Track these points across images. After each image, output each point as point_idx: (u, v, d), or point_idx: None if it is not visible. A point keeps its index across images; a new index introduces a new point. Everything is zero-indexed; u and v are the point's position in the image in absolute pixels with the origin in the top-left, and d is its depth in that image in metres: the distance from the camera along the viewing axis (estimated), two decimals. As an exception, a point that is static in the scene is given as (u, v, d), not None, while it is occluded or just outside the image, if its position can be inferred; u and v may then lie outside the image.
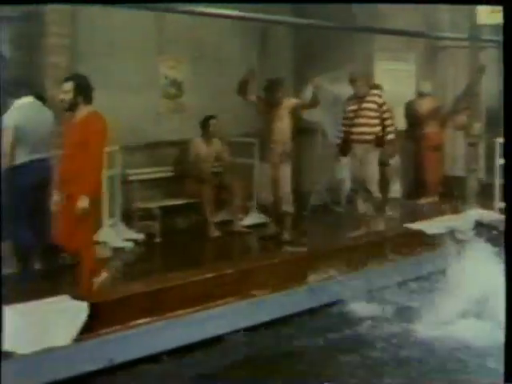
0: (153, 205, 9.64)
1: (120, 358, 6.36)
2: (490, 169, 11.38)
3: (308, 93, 10.40)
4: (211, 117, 10.06)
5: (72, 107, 6.93)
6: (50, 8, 8.58)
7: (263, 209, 10.12)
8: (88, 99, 6.95)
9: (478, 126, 11.28)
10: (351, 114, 9.57)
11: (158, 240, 9.51)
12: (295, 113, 9.31)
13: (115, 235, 9.16)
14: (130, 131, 9.66)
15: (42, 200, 7.58)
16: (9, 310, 6.16)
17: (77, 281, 7.01)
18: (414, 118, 11.92)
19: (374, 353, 6.73)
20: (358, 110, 9.49)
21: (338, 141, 9.82)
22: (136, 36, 9.79)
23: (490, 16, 10.40)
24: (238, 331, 7.06)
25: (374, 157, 9.54)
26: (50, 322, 6.23)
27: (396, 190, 12.03)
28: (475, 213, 10.49)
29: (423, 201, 11.80)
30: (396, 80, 12.18)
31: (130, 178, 9.74)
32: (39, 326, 6.18)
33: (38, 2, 8.34)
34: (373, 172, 9.55)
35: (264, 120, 9.31)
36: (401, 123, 11.57)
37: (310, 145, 11.54)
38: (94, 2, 8.35)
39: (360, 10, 10.96)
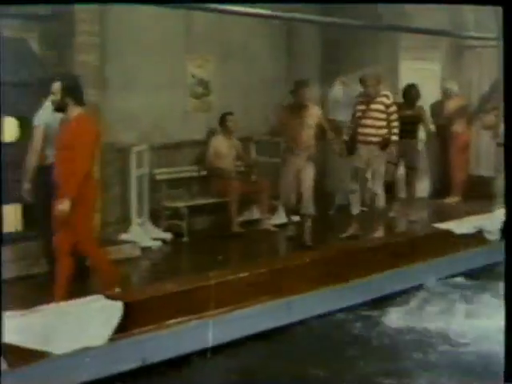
0: (180, 204, 9.64)
1: (153, 357, 6.40)
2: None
3: (335, 91, 10.42)
4: (228, 113, 10.11)
5: (61, 108, 6.75)
6: (79, 7, 8.57)
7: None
8: (78, 100, 6.73)
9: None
10: (359, 114, 9.47)
11: (185, 239, 9.52)
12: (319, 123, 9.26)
13: (144, 234, 9.17)
14: (158, 130, 9.70)
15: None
16: (43, 311, 6.22)
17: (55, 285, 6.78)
18: (440, 117, 11.88)
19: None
20: (367, 111, 9.38)
21: (346, 138, 9.73)
22: (164, 35, 9.77)
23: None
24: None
25: (379, 158, 9.43)
26: (85, 322, 6.23)
27: (423, 189, 12.05)
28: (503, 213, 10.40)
29: (449, 200, 11.76)
30: (421, 79, 12.14)
31: (158, 177, 9.75)
32: (75, 325, 6.18)
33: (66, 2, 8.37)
34: (377, 173, 9.43)
35: (288, 125, 9.24)
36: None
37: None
38: (117, 2, 8.43)
39: (386, 9, 10.94)
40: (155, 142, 9.58)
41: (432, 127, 11.51)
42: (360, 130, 9.41)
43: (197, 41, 10.22)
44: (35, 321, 6.06)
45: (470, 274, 9.07)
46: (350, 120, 9.71)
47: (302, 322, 7.50)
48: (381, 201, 9.44)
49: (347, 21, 9.92)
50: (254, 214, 10.30)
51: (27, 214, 8.04)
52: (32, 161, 7.37)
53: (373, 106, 9.35)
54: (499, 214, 10.30)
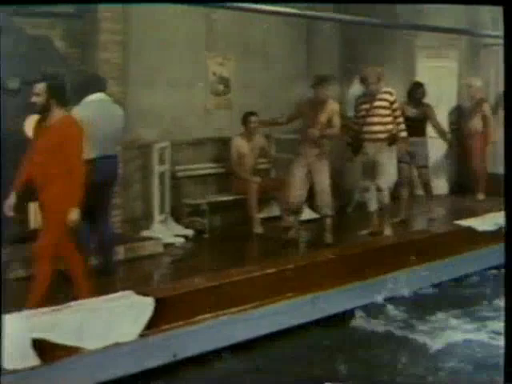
0: (202, 201, 9.68)
1: (184, 353, 6.45)
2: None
3: (355, 89, 10.42)
4: (251, 113, 10.09)
5: (44, 111, 6.45)
6: (102, 5, 8.62)
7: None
8: (62, 102, 6.49)
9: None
10: (363, 113, 9.42)
11: (206, 236, 9.56)
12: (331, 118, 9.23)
13: (166, 231, 9.21)
14: (179, 127, 9.74)
15: (105, 197, 7.65)
16: (75, 306, 6.27)
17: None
18: (464, 114, 11.93)
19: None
20: (371, 109, 9.33)
21: (349, 139, 9.71)
22: (186, 33, 9.83)
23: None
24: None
25: (387, 155, 9.42)
26: (116, 318, 6.27)
27: (441, 187, 12.10)
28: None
29: (477, 198, 11.82)
30: (438, 77, 12.19)
31: (179, 174, 9.79)
32: (106, 321, 6.22)
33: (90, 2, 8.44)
34: (384, 169, 9.43)
35: (306, 119, 9.25)
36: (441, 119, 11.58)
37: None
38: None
39: (403, 8, 10.99)
40: (176, 139, 9.61)
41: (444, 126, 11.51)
42: (366, 128, 9.36)
43: (218, 39, 10.28)
44: (66, 317, 6.10)
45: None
46: (353, 121, 9.65)
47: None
48: (386, 198, 9.43)
49: (366, 19, 9.92)
50: (274, 210, 10.30)
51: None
52: None
53: (377, 104, 9.31)
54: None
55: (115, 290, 6.74)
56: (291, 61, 10.72)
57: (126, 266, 8.17)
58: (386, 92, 9.35)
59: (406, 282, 8.30)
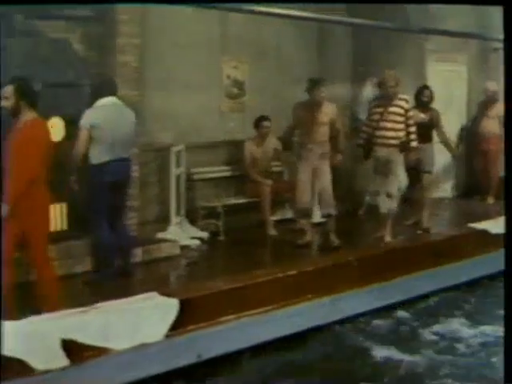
0: (217, 203, 9.74)
1: (208, 353, 6.51)
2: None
3: (367, 92, 10.46)
4: (263, 117, 10.15)
5: (15, 113, 6.33)
6: (120, 8, 8.67)
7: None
8: (32, 104, 6.36)
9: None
10: (377, 117, 9.38)
11: (221, 238, 9.62)
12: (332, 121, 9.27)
13: (182, 233, 9.27)
14: (194, 130, 9.80)
15: (120, 199, 7.73)
16: (101, 307, 6.32)
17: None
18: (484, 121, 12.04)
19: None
20: (385, 113, 9.28)
21: (361, 141, 9.68)
22: (201, 37, 9.88)
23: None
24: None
25: (397, 160, 9.44)
26: (142, 319, 6.33)
27: (445, 189, 12.17)
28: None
29: (482, 200, 11.87)
30: (448, 81, 12.26)
31: (194, 176, 9.85)
32: (132, 322, 6.28)
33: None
34: (394, 175, 9.43)
35: (302, 121, 9.29)
36: (451, 123, 11.65)
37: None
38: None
39: (413, 11, 11.04)
40: (191, 142, 9.66)
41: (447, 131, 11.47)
42: (379, 132, 9.32)
43: (232, 42, 10.34)
44: (93, 318, 6.16)
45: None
46: (365, 124, 9.65)
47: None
48: (393, 202, 9.46)
49: (377, 23, 9.96)
50: (288, 213, 10.35)
51: (72, 213, 8.14)
52: (76, 161, 7.46)
53: (392, 109, 9.26)
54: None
55: (136, 292, 6.80)
56: (304, 64, 10.77)
57: (144, 267, 8.22)
58: (402, 99, 9.28)
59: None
